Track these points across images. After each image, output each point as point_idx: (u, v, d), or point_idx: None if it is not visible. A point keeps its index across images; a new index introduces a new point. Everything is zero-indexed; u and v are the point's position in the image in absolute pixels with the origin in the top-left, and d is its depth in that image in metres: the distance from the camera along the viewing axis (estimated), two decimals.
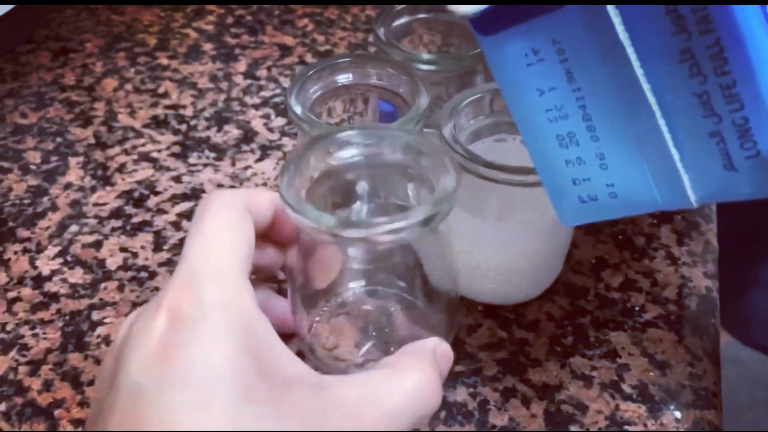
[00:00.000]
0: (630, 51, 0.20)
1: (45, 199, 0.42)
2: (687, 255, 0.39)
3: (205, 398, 0.21)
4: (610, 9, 0.20)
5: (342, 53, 0.52)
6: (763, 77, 0.19)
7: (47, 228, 0.40)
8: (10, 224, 0.40)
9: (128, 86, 0.50)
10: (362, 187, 0.29)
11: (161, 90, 0.50)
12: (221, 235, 0.25)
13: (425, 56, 0.37)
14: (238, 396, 0.21)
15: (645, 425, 0.32)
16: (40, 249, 0.39)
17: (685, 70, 0.20)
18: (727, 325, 0.68)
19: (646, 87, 0.21)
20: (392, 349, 0.27)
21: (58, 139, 0.46)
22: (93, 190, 0.42)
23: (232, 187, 0.42)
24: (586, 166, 0.23)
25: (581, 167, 0.23)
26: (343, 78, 0.35)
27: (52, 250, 0.39)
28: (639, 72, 0.21)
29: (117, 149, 0.45)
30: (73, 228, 0.40)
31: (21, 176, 0.43)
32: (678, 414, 0.32)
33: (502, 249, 0.34)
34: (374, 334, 0.33)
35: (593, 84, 0.22)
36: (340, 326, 0.33)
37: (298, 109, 0.33)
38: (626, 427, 0.32)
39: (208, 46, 0.54)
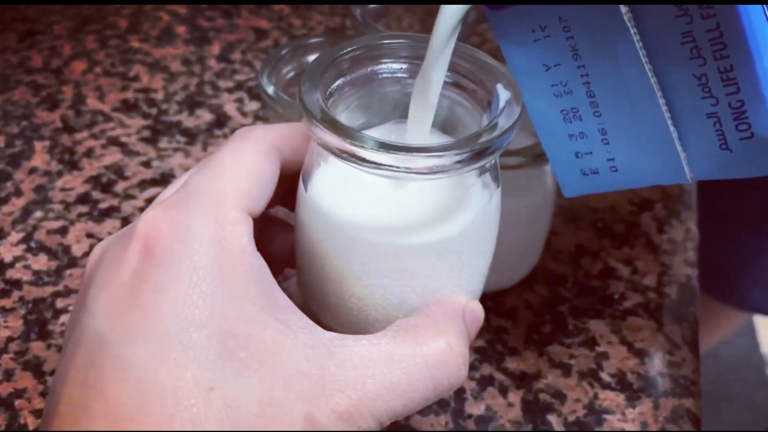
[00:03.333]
0: (633, 32, 0.21)
1: (8, 183, 0.40)
2: (667, 243, 0.39)
3: (175, 354, 0.17)
4: None
5: (316, 33, 0.51)
6: (759, 64, 0.19)
7: (11, 213, 0.39)
8: None
9: (98, 69, 0.48)
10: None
11: (132, 73, 0.48)
12: (233, 168, 0.21)
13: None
14: (216, 353, 0.18)
15: (623, 414, 0.31)
16: (2, 235, 0.37)
17: (686, 51, 0.20)
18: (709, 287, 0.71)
19: (648, 68, 0.21)
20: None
21: (24, 123, 0.44)
22: (59, 174, 0.41)
23: None
24: (588, 140, 0.24)
25: (584, 141, 0.24)
26: None
27: (15, 236, 0.37)
28: (642, 53, 0.21)
29: (85, 133, 0.44)
30: (38, 213, 0.39)
31: None
32: (656, 402, 0.32)
33: None
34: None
35: (597, 63, 0.22)
36: None
37: (270, 89, 0.32)
38: (604, 416, 0.31)
39: (181, 29, 0.52)
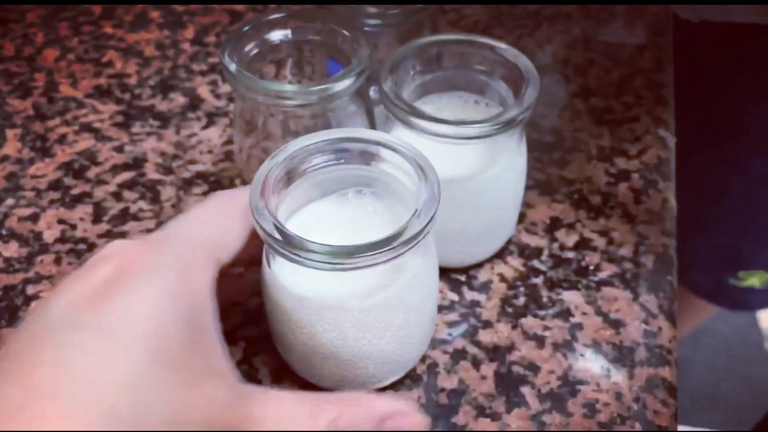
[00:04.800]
0: None
1: None
2: (644, 213, 0.38)
3: (116, 350, 0.19)
4: None
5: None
6: None
7: None
8: None
9: (71, 56, 0.48)
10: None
11: (105, 59, 0.48)
12: (207, 221, 0.24)
13: (370, 9, 0.35)
14: (151, 358, 0.20)
15: (598, 384, 0.31)
16: None
17: None
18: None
19: None
20: None
21: None
22: (31, 162, 0.41)
23: (175, 155, 0.41)
24: None
25: None
26: (280, 34, 0.33)
27: None
28: None
29: (57, 120, 0.43)
30: (9, 201, 0.38)
31: None
32: (631, 372, 0.31)
33: (449, 210, 0.33)
34: None
35: None
36: None
37: (233, 68, 0.31)
38: (578, 387, 0.31)
39: (155, 14, 0.52)
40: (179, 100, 0.44)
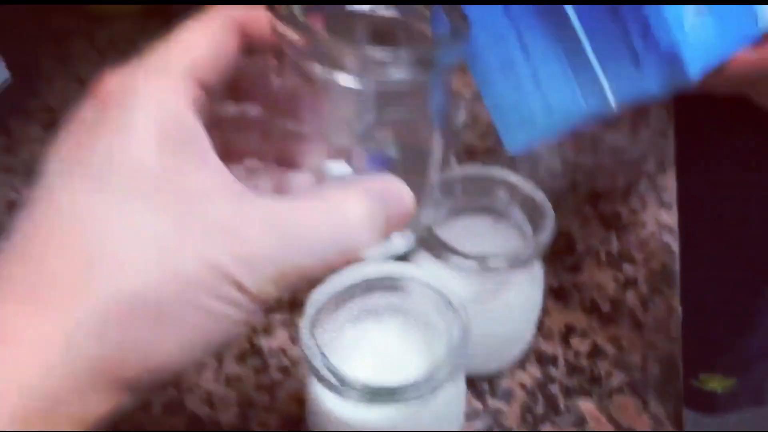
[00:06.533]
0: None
1: None
2: (651, 320, 0.41)
3: (118, 187, 0.19)
4: None
5: None
6: None
7: None
8: None
9: None
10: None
11: None
12: (185, 38, 0.22)
13: None
14: (155, 189, 0.20)
15: None
16: None
17: None
18: None
19: (571, 12, 0.27)
20: None
21: None
22: None
23: None
24: (522, 84, 0.29)
25: (518, 86, 0.29)
26: None
27: None
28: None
29: None
30: None
31: None
32: None
33: (479, 330, 0.36)
34: None
35: (525, 12, 0.28)
36: None
37: None
38: None
39: None
40: None
